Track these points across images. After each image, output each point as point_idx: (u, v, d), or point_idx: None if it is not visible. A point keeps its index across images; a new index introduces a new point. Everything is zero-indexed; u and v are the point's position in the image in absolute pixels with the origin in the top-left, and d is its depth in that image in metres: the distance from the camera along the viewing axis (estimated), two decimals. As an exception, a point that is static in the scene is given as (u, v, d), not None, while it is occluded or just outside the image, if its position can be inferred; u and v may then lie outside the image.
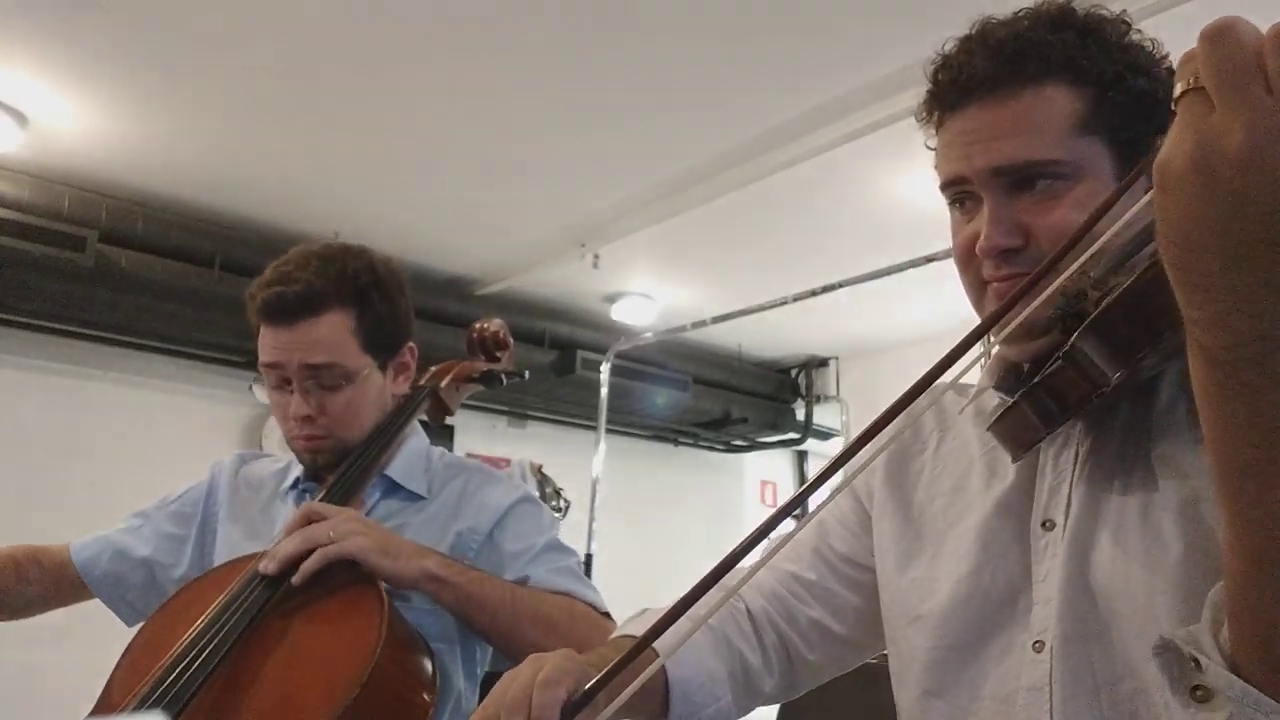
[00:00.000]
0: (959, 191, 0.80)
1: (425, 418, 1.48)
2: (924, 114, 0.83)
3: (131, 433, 4.05)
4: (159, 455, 3.90)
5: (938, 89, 0.80)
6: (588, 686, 0.68)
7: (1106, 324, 0.64)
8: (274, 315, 1.28)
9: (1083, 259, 0.62)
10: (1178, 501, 0.68)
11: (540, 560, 1.27)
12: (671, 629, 0.64)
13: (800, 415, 5.98)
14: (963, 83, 0.77)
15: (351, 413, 1.31)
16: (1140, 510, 0.70)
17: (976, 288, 0.81)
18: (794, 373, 6.07)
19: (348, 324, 1.31)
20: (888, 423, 0.63)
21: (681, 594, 0.65)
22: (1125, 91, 0.75)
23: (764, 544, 0.64)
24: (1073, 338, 0.66)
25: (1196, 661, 0.54)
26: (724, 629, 0.91)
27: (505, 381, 1.51)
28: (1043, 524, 0.76)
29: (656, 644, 0.68)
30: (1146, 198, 0.53)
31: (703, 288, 4.66)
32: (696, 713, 0.86)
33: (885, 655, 0.92)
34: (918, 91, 0.83)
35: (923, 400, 0.66)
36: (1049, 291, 0.64)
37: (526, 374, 1.55)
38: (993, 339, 0.73)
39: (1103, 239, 0.61)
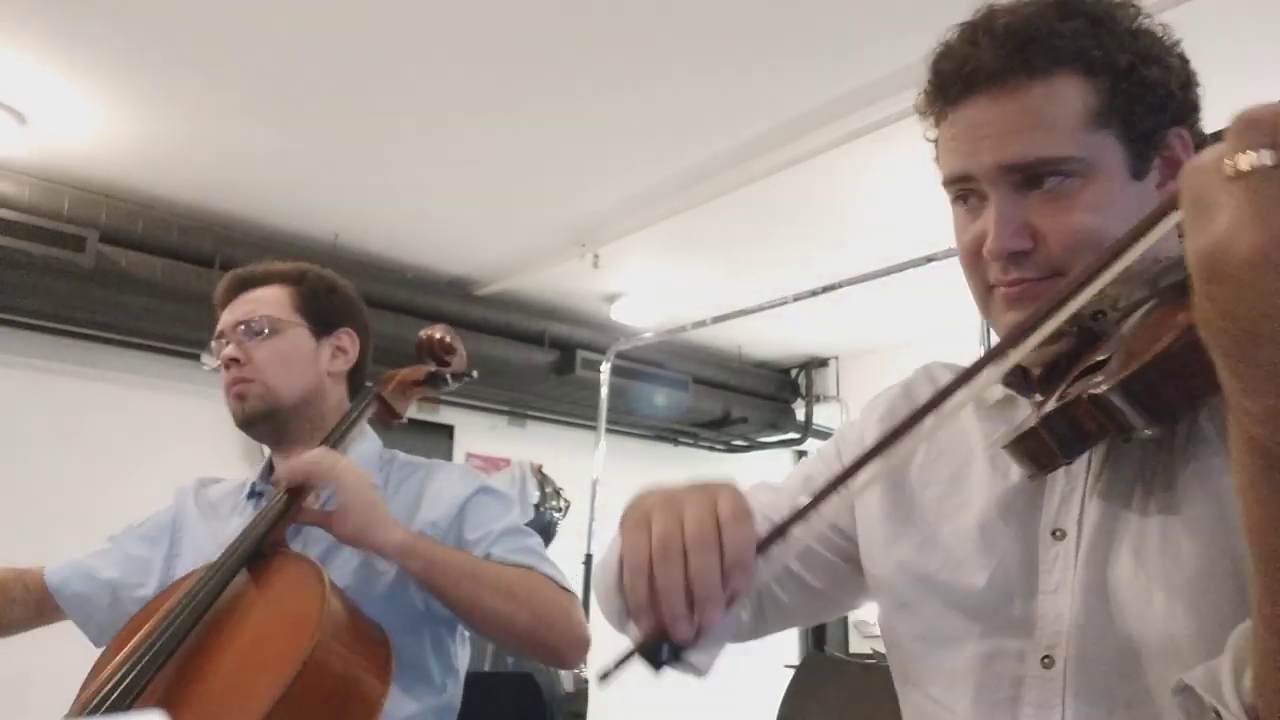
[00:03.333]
0: (963, 188, 0.76)
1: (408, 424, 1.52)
2: (925, 106, 0.79)
3: (131, 433, 4.05)
4: (159, 455, 3.90)
5: (940, 80, 0.76)
6: (779, 523, 0.64)
7: (1142, 382, 0.60)
8: (223, 294, 1.46)
9: (1101, 282, 0.60)
10: (1209, 525, 0.64)
11: (500, 542, 1.32)
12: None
13: (800, 415, 5.98)
14: (967, 74, 0.73)
15: (276, 362, 1.39)
16: (1160, 530, 0.67)
17: (983, 291, 0.78)
18: (794, 373, 6.07)
19: (284, 293, 1.45)
20: (894, 440, 0.62)
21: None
22: (1139, 82, 0.71)
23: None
24: (1103, 389, 0.62)
25: (1218, 714, 0.53)
26: None
27: (452, 382, 1.55)
28: (1052, 533, 0.73)
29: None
30: (1174, 219, 0.51)
31: (702, 288, 4.66)
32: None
33: (883, 654, 0.90)
34: (917, 91, 0.81)
35: (929, 422, 0.64)
36: (1065, 314, 0.61)
37: (475, 374, 1.59)
38: (1010, 355, 0.70)
39: (1124, 262, 0.58)
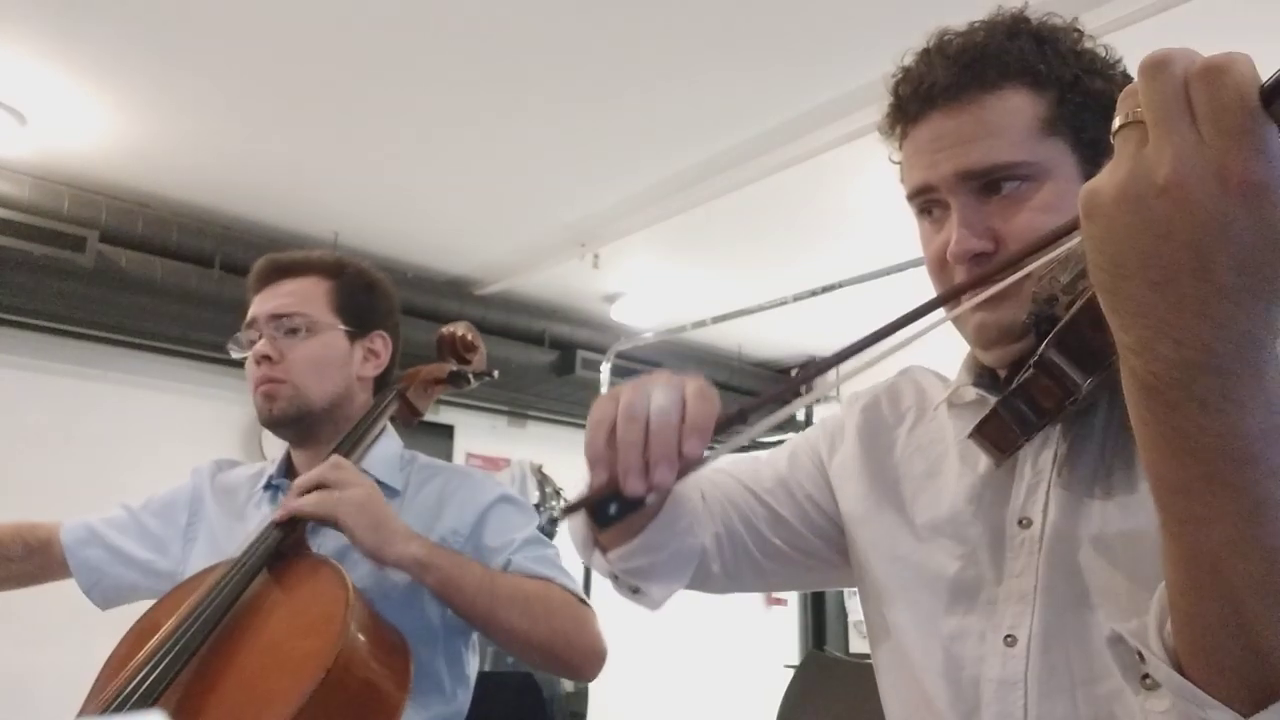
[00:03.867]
0: (927, 200, 0.81)
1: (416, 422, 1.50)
2: (887, 127, 0.84)
3: (131, 433, 4.04)
4: (159, 455, 3.89)
5: (900, 101, 0.82)
6: (744, 407, 0.67)
7: (1073, 332, 0.66)
8: (258, 279, 1.40)
9: (1052, 255, 0.64)
10: None
11: (520, 551, 1.31)
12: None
13: (800, 415, 5.98)
14: (924, 92, 0.78)
15: (310, 365, 1.35)
16: (1122, 512, 0.71)
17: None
18: (794, 373, 6.07)
19: (321, 287, 1.40)
20: (859, 349, 0.69)
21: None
22: (1084, 93, 0.77)
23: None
24: (1043, 345, 0.67)
25: (1141, 656, 0.57)
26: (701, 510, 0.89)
27: (473, 381, 1.53)
28: (1019, 521, 0.77)
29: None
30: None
31: (702, 288, 4.66)
32: (666, 543, 0.84)
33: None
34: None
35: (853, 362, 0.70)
36: (1017, 275, 0.65)
37: (496, 373, 1.57)
38: (965, 303, 0.75)
39: (1068, 245, 0.62)
